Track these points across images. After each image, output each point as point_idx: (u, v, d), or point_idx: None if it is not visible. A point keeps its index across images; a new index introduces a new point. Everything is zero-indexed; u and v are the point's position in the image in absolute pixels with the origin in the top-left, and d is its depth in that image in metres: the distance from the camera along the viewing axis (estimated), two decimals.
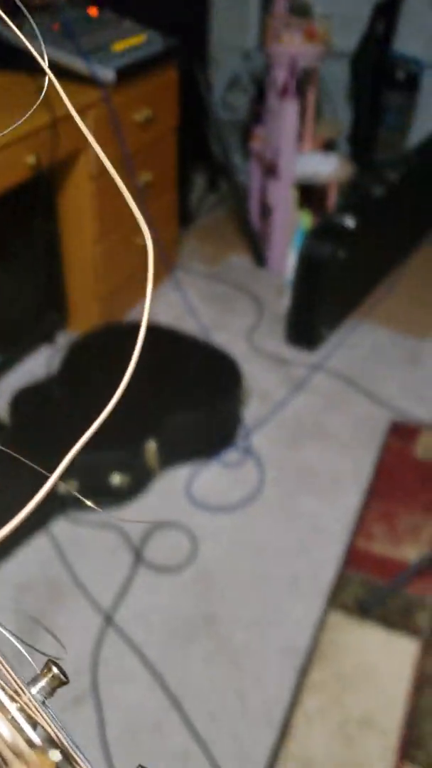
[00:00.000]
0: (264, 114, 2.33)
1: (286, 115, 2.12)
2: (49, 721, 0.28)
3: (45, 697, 0.30)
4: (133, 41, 1.96)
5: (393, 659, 1.37)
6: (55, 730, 0.28)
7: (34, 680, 0.31)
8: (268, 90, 2.24)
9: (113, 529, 1.58)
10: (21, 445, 1.59)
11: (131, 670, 1.33)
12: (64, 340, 2.09)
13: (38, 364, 2.00)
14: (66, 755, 0.22)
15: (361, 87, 2.54)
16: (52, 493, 1.51)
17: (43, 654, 0.31)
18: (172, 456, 1.70)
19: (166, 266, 2.35)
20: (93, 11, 2.06)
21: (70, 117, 1.90)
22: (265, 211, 2.40)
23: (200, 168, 2.84)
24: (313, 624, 1.42)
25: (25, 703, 0.29)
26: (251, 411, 1.92)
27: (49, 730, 0.28)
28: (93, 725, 1.24)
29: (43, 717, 0.28)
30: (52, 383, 1.75)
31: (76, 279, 2.07)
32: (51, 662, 0.30)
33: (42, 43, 0.37)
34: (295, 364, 2.10)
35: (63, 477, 1.42)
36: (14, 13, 1.53)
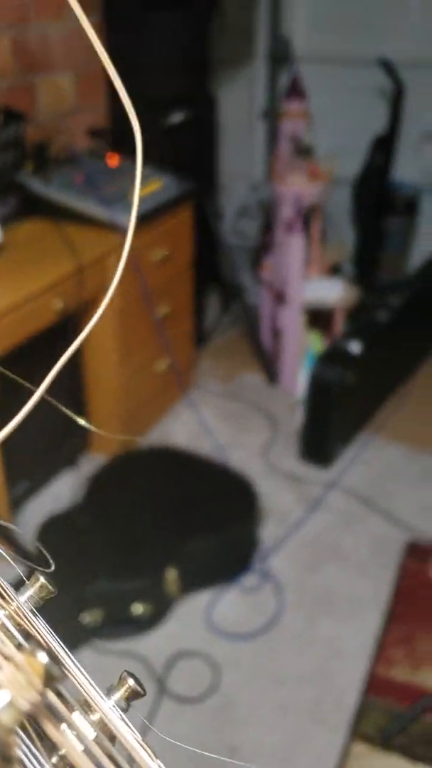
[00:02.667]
0: (272, 245, 2.48)
1: (292, 249, 2.26)
2: (38, 627, 0.31)
3: (34, 607, 0.32)
4: (150, 188, 2.14)
5: None
6: (44, 636, 0.31)
7: (23, 589, 0.34)
8: (274, 224, 2.39)
9: (136, 658, 1.61)
10: (50, 572, 1.65)
11: None
12: (86, 463, 2.17)
13: (63, 488, 2.08)
14: (53, 657, 0.24)
15: (363, 213, 2.71)
16: (80, 624, 1.54)
17: None
18: (191, 582, 1.74)
19: (182, 386, 2.46)
20: (113, 161, 2.25)
21: (94, 263, 2.06)
22: (277, 332, 2.52)
23: (214, 291, 3.00)
24: (337, 753, 1.42)
25: (14, 611, 0.32)
26: (268, 531, 1.96)
27: (37, 635, 0.31)
28: None
29: (30, 623, 0.31)
30: (76, 512, 1.83)
31: (98, 404, 2.17)
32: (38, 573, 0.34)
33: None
34: (310, 481, 2.15)
35: (88, 607, 1.52)
36: (43, 167, 1.75)
